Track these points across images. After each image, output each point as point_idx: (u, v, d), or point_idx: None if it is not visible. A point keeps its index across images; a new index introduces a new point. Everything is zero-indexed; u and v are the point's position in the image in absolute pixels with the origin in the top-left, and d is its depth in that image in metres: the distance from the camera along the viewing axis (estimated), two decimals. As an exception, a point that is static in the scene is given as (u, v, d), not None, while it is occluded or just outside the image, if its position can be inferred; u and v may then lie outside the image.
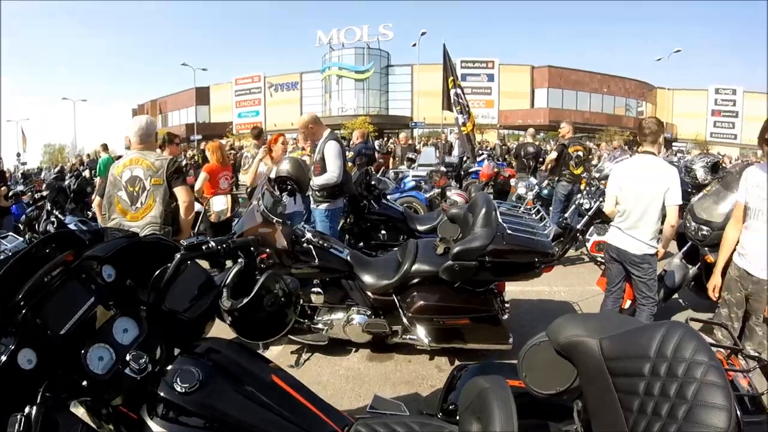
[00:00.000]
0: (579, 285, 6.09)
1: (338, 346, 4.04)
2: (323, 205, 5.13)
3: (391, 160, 14.32)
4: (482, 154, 14.19)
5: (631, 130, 40.15)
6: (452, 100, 10.95)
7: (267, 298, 2.36)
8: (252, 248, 2.07)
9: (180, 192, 3.81)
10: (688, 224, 4.72)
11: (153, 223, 3.75)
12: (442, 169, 9.24)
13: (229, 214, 6.11)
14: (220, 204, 6.06)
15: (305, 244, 3.75)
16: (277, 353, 4.07)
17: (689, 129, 49.75)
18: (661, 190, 3.64)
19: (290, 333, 3.84)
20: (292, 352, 4.07)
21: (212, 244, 1.76)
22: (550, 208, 8.02)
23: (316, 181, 5.01)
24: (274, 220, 3.63)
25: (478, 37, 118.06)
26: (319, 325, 3.90)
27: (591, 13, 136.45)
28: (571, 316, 1.64)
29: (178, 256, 1.55)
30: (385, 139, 27.34)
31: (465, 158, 12.85)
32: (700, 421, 1.15)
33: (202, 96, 54.55)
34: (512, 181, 9.25)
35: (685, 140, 47.16)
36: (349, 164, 7.00)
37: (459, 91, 10.48)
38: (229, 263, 1.97)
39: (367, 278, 3.79)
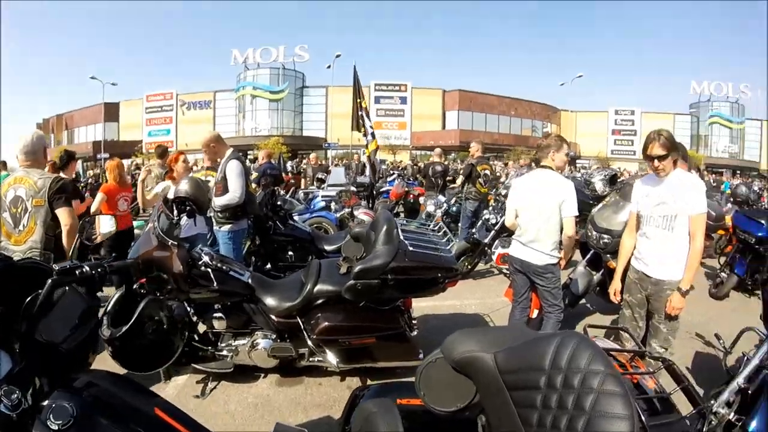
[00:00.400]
0: (489, 297, 6.23)
1: (246, 373, 3.87)
2: (226, 227, 4.95)
3: (302, 180, 14.19)
4: (393, 174, 14.39)
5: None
6: (359, 122, 11.09)
7: (148, 325, 2.23)
8: (131, 273, 1.95)
9: (62, 214, 3.57)
10: (590, 233, 4.96)
11: (34, 248, 3.50)
12: (352, 189, 9.20)
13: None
14: (106, 225, 5.71)
15: (203, 268, 3.55)
16: (183, 383, 3.87)
17: (592, 147, 53.32)
18: (557, 202, 3.79)
19: (194, 362, 3.67)
20: (197, 382, 3.85)
21: (86, 268, 1.66)
22: (459, 224, 8.23)
23: (218, 201, 4.82)
24: (170, 243, 3.45)
25: (391, 61, 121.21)
26: (224, 352, 3.71)
27: (500, 42, 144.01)
28: (465, 332, 1.61)
29: (49, 281, 1.44)
30: (298, 159, 27.25)
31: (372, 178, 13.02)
32: None
33: (111, 112, 52.23)
34: (421, 199, 9.37)
35: (588, 157, 50.41)
36: (253, 185, 6.84)
37: (363, 113, 10.59)
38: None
39: (270, 301, 3.65)
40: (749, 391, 2.88)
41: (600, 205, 6.09)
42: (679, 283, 3.30)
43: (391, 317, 3.69)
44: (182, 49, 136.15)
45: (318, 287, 3.59)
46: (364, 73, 10.84)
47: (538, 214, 3.89)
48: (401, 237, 3.57)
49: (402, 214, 10.11)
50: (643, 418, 1.26)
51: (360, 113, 10.69)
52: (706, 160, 48.09)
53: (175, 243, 3.46)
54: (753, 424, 2.66)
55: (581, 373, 1.22)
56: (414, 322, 3.88)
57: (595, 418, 1.13)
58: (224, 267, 3.66)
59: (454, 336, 1.58)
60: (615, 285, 3.79)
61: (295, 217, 7.72)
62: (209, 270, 3.54)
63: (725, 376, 3.02)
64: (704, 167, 36.15)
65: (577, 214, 3.84)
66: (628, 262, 3.71)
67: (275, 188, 6.31)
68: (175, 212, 3.85)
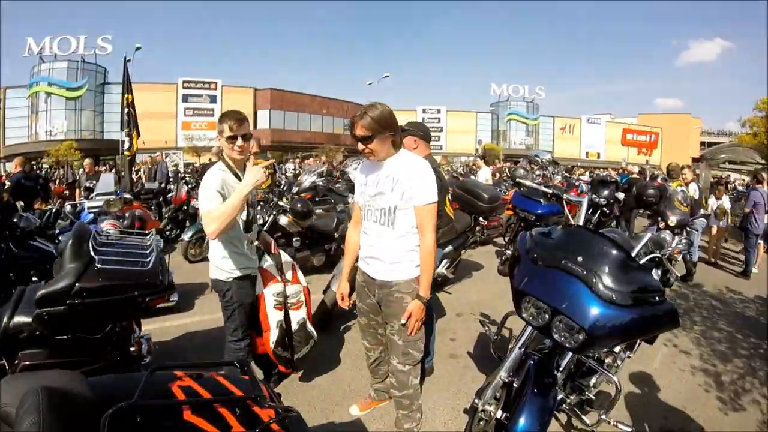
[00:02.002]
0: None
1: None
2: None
3: (77, 190, 12.80)
4: (184, 177, 13.92)
5: (347, 146, 44.17)
6: (123, 120, 10.69)
7: None
8: None
9: None
10: None
11: None
12: (126, 196, 8.51)
13: None
14: None
15: None
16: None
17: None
18: None
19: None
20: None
21: None
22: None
23: None
24: None
25: (201, 58, 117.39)
26: None
27: (313, 42, 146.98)
28: (16, 377, 1.36)
29: None
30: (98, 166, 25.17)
31: (161, 183, 12.54)
32: None
33: None
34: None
35: (397, 152, 53.82)
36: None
37: (132, 110, 10.20)
38: None
39: None
40: (514, 385, 2.54)
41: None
42: (411, 284, 2.81)
43: (102, 347, 3.05)
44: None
45: (15, 320, 2.89)
46: (173, 70, 10.31)
47: None
48: (92, 252, 2.94)
49: (188, 221, 9.81)
50: None
51: (127, 110, 10.28)
52: (506, 151, 54.68)
53: None
54: (520, 422, 2.26)
55: None
56: (134, 348, 3.29)
57: None
58: None
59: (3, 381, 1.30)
60: (341, 288, 3.18)
61: (63, 235, 7.12)
62: None
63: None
64: (503, 157, 41.27)
65: (204, 209, 3.01)
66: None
67: (14, 203, 5.69)
68: None
